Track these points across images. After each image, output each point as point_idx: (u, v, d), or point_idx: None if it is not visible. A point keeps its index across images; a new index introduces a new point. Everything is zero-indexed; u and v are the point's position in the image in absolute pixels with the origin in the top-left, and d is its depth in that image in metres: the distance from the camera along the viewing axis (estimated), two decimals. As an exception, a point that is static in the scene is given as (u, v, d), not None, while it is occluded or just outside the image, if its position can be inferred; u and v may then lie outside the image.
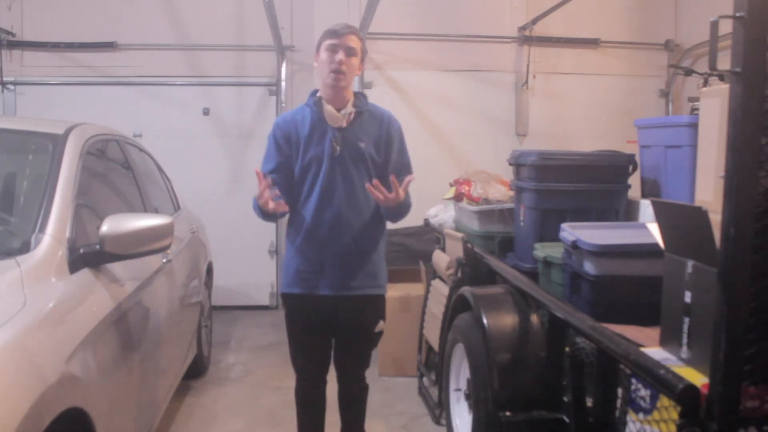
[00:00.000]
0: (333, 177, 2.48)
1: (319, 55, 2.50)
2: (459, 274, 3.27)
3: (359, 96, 2.58)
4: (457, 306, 3.03)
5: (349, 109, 2.50)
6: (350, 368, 2.71)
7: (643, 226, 2.59)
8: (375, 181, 2.36)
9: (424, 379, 3.81)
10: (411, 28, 5.64)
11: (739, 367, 1.43)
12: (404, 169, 2.57)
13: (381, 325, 2.63)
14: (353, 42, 2.46)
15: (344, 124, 2.50)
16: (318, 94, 2.55)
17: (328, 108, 2.49)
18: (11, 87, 5.62)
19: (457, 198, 3.84)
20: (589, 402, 2.17)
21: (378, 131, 2.55)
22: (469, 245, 3.29)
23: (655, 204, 2.01)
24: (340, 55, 2.43)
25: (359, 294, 2.54)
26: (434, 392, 3.48)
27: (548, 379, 2.43)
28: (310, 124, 2.52)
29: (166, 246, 2.29)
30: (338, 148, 2.48)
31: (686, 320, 1.78)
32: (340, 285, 2.52)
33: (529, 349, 2.52)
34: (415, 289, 4.19)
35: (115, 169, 3.00)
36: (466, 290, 2.89)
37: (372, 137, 2.53)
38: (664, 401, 1.67)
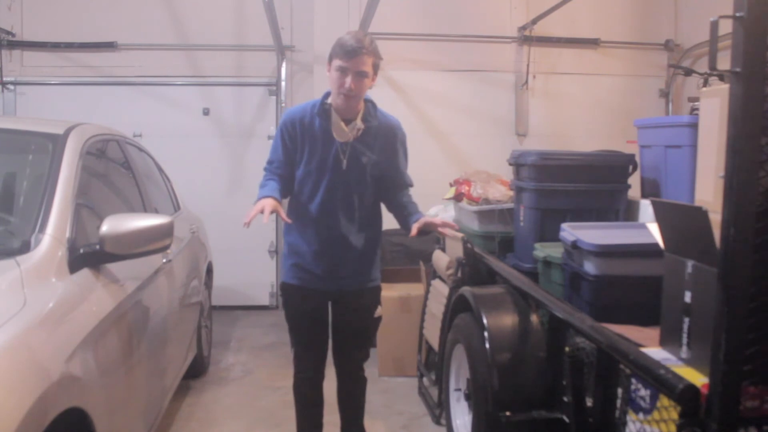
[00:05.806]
0: (334, 189, 2.51)
1: (330, 69, 2.46)
2: (459, 274, 3.27)
3: (369, 106, 2.55)
4: (457, 306, 3.03)
5: (359, 124, 2.49)
6: (349, 358, 2.73)
7: (643, 226, 2.59)
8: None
9: (424, 379, 3.80)
10: (411, 28, 5.63)
11: (739, 367, 1.43)
12: (404, 179, 2.67)
13: (379, 310, 2.70)
14: (364, 65, 2.40)
15: (351, 139, 2.50)
16: (329, 101, 2.52)
17: (337, 122, 2.49)
18: (11, 87, 5.61)
19: (457, 198, 3.84)
20: (589, 402, 2.17)
21: (384, 143, 2.57)
22: (469, 245, 3.29)
23: (655, 204, 2.01)
24: (349, 82, 2.39)
25: (353, 289, 2.62)
26: (434, 392, 3.48)
27: (548, 379, 2.43)
28: (318, 131, 2.52)
29: (166, 246, 2.30)
30: (344, 161, 2.49)
31: (686, 320, 1.78)
32: (335, 283, 2.59)
33: (529, 349, 2.52)
34: (415, 289, 4.19)
35: (115, 169, 3.00)
36: (466, 290, 2.89)
37: (376, 150, 2.55)
38: (664, 401, 1.67)
